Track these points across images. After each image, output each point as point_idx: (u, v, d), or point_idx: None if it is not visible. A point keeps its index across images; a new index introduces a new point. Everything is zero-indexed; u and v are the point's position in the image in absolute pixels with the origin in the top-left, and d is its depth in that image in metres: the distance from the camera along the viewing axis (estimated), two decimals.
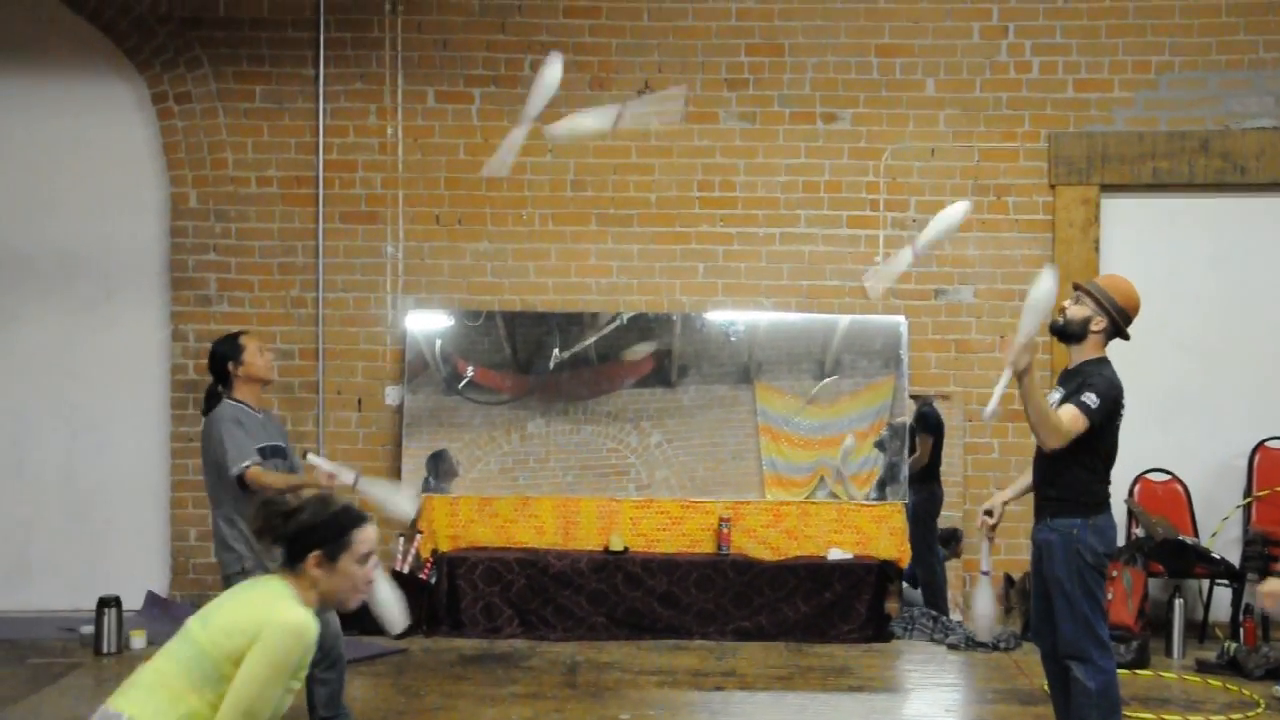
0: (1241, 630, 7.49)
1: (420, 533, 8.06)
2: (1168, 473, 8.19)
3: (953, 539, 8.30)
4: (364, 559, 3.47)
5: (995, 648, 7.61)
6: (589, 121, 5.07)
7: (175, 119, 8.40)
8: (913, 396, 8.25)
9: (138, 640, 7.48)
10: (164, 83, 8.38)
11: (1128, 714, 5.74)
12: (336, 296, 8.44)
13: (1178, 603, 7.56)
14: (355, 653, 6.97)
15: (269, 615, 3.29)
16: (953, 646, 7.68)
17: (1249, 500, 8.12)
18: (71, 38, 8.42)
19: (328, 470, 5.07)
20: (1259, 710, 6.41)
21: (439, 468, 8.27)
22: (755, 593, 7.86)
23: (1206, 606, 7.95)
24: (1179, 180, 8.28)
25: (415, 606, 7.86)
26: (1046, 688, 5.41)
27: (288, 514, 3.46)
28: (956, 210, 5.35)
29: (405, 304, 8.41)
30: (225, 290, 8.42)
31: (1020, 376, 4.76)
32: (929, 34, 8.36)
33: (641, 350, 8.32)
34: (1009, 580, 8.15)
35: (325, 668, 5.27)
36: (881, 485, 8.18)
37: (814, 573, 7.88)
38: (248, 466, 5.22)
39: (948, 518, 8.27)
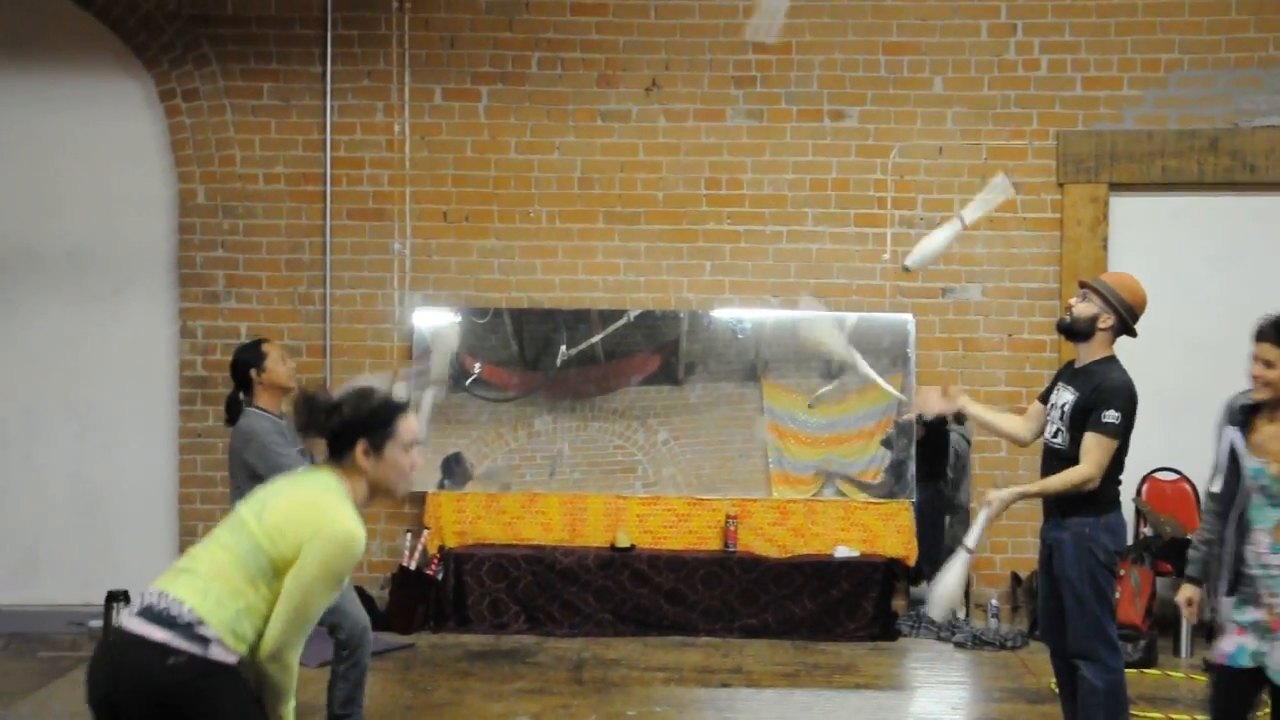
0: None
1: (427, 529, 8.07)
2: (1176, 471, 8.17)
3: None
4: (408, 446, 3.51)
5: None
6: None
7: (183, 116, 8.42)
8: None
9: None
10: (172, 80, 8.40)
11: (1135, 713, 5.73)
12: (344, 293, 8.45)
13: None
14: None
15: (321, 523, 3.31)
16: (960, 645, 7.68)
17: None
18: (79, 34, 8.43)
19: None
20: (1266, 710, 6.39)
21: (455, 470, 8.28)
22: (762, 590, 7.86)
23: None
24: (1188, 179, 8.26)
25: (422, 602, 7.89)
26: (1054, 686, 5.41)
27: (330, 409, 3.48)
28: (1002, 185, 5.42)
29: (412, 301, 8.42)
30: (233, 287, 8.43)
31: (1011, 503, 4.91)
32: (937, 32, 8.35)
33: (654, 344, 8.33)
34: (1016, 579, 8.15)
35: (349, 665, 5.28)
36: (888, 483, 8.18)
37: (820, 570, 7.88)
38: None
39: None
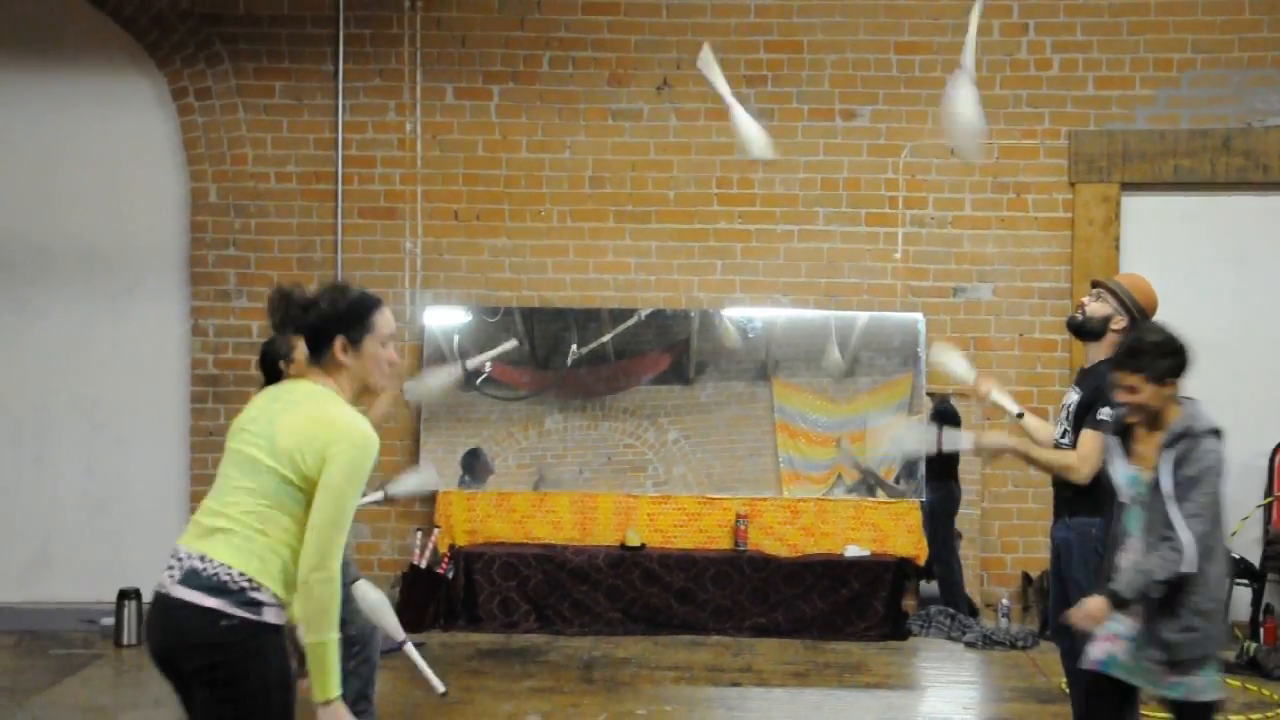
0: (1261, 630, 7.45)
1: (438, 528, 8.08)
2: None
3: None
4: (386, 341, 3.53)
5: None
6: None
7: (195, 115, 8.44)
8: (930, 394, 8.22)
9: None
10: (184, 78, 8.42)
11: (1146, 713, 5.72)
12: None
13: None
14: None
15: (333, 431, 3.32)
16: (970, 644, 7.67)
17: (1269, 500, 8.08)
18: (92, 33, 8.46)
19: None
20: (1279, 711, 6.38)
21: (474, 466, 8.29)
22: (772, 589, 7.85)
23: (1226, 607, 7.91)
24: (1200, 178, 8.24)
25: (433, 601, 7.90)
26: (1064, 686, 5.40)
27: (307, 304, 3.50)
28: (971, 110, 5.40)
29: (423, 299, 8.43)
30: (245, 285, 8.45)
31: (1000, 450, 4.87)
32: (948, 31, 8.32)
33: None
34: (1026, 578, 8.14)
35: (360, 662, 5.28)
36: (898, 483, 8.17)
37: (831, 569, 7.87)
38: None
39: (966, 515, 8.24)
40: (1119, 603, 4.06)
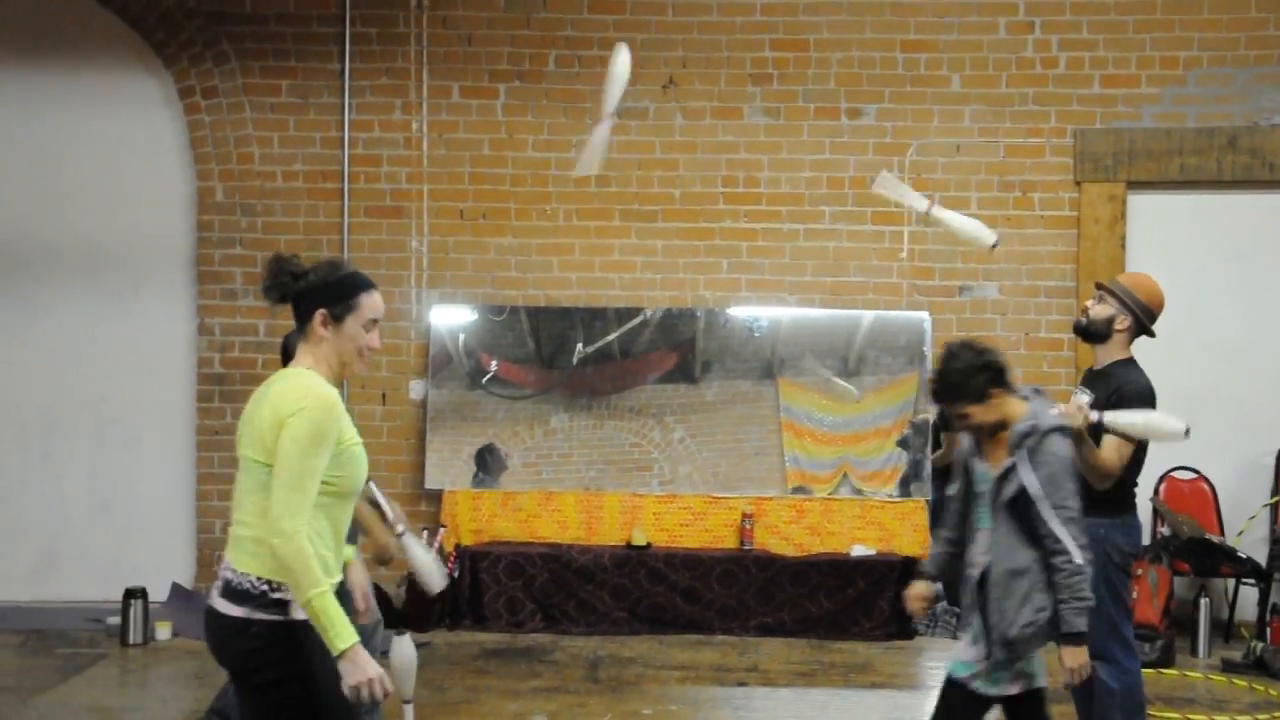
0: (1268, 630, 7.44)
1: (444, 527, 8.09)
2: (1194, 471, 8.14)
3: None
4: (369, 325, 3.53)
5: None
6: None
7: (202, 113, 8.44)
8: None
9: (163, 631, 7.54)
10: (191, 77, 8.43)
11: (1152, 713, 5.72)
12: None
13: (1203, 602, 7.53)
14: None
15: (287, 401, 3.33)
16: None
17: (1276, 499, 8.07)
18: (99, 32, 8.47)
19: (383, 503, 4.94)
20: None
21: (489, 462, 8.29)
22: (778, 589, 7.85)
23: (1232, 606, 7.91)
24: (1207, 177, 8.23)
25: (439, 600, 7.90)
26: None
27: (298, 273, 3.49)
28: (983, 233, 5.38)
29: (429, 298, 8.44)
30: (251, 284, 8.44)
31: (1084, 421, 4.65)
32: (954, 29, 8.33)
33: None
34: None
35: None
36: (905, 482, 8.17)
37: (837, 569, 7.87)
38: None
39: None
40: (1077, 638, 4.05)
